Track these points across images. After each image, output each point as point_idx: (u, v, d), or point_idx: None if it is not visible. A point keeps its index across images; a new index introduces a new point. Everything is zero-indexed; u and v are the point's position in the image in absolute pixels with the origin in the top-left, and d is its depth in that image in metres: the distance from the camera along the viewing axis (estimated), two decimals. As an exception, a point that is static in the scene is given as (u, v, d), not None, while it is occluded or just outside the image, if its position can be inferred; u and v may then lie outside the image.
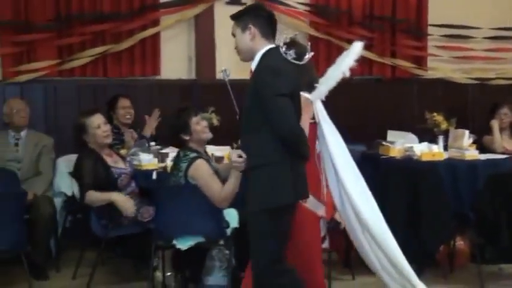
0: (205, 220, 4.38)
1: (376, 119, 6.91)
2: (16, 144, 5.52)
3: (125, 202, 4.66)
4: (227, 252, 4.56)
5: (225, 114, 5.57)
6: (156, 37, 6.49)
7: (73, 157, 5.61)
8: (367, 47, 6.95)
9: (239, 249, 4.46)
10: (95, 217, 4.77)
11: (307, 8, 6.93)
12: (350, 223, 4.01)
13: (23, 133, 5.55)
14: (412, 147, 5.33)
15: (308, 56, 3.82)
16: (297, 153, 3.45)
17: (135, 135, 5.51)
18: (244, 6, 3.69)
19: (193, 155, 4.46)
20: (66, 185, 5.60)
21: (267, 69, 3.39)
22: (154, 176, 4.88)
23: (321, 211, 3.91)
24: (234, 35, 3.56)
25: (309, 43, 4.00)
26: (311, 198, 3.78)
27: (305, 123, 3.68)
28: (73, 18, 6.22)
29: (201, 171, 4.35)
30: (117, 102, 5.93)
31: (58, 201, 5.53)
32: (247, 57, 3.57)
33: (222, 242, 4.52)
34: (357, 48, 3.89)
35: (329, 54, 6.92)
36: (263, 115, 3.35)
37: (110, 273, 5.27)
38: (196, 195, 4.36)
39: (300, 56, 3.74)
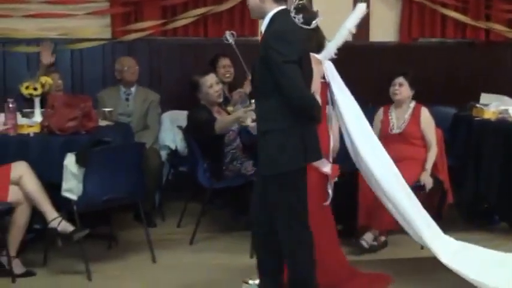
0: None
1: (469, 82, 6.94)
2: (126, 99, 5.90)
3: (246, 114, 4.89)
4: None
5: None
6: (255, -1, 6.68)
7: (177, 113, 6.02)
8: (461, 10, 7.04)
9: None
10: (201, 169, 5.09)
11: (403, -29, 6.99)
12: (367, 176, 4.25)
13: (132, 89, 5.92)
14: (507, 109, 5.39)
15: (317, 20, 3.94)
16: (308, 118, 3.50)
17: (244, 95, 5.76)
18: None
19: None
20: (170, 139, 5.96)
21: (275, 35, 3.39)
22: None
23: (326, 168, 3.98)
24: None
25: (317, 9, 4.10)
26: None
27: (317, 83, 3.80)
28: (177, -21, 6.49)
29: None
30: (217, 61, 6.20)
31: (162, 154, 5.87)
32: (256, 15, 3.62)
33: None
34: (360, 9, 4.08)
35: (423, 17, 7.00)
36: (273, 81, 3.37)
37: (210, 222, 5.57)
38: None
39: (308, 20, 3.85)
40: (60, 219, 4.32)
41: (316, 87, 3.75)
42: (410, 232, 4.21)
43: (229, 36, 4.91)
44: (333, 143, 4.06)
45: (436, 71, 7.01)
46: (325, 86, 4.04)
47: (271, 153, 3.46)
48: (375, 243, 4.90)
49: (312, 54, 3.78)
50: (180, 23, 6.52)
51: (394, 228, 4.67)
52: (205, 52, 6.54)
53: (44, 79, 5.03)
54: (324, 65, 4.01)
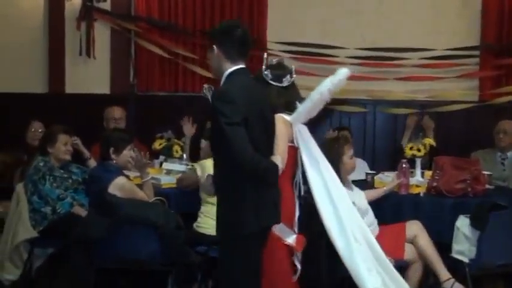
0: None
1: None
2: (502, 164, 5.73)
3: None
4: None
5: None
6: None
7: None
8: None
9: None
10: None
11: None
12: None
13: (509, 153, 5.73)
14: None
15: (291, 78, 3.75)
16: (260, 180, 3.23)
17: None
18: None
19: None
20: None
21: (217, 95, 3.23)
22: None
23: (290, 239, 3.64)
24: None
25: (293, 66, 3.85)
26: (280, 224, 3.52)
27: (282, 146, 3.50)
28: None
29: None
30: None
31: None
32: (216, 75, 3.44)
33: None
34: (340, 75, 3.62)
35: None
36: (221, 141, 3.18)
37: None
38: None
39: (279, 77, 3.70)
40: (453, 280, 4.31)
41: (281, 150, 3.47)
42: None
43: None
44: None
45: None
46: (293, 150, 3.71)
47: (225, 216, 3.30)
48: None
49: (280, 115, 3.62)
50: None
51: None
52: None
53: (428, 140, 5.17)
54: (295, 128, 3.70)
